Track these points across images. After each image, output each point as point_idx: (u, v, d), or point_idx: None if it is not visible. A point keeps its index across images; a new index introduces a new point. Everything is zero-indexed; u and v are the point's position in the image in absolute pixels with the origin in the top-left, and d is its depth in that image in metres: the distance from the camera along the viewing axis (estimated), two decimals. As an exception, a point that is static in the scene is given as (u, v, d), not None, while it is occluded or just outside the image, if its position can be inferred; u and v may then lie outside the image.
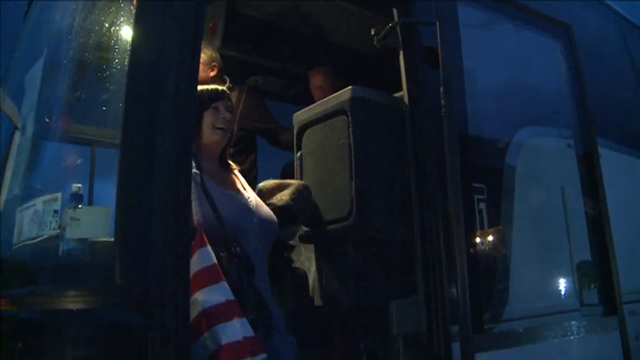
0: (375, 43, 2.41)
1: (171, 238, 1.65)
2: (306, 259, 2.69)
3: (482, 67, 2.69)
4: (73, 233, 1.77)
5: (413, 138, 2.32)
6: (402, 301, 2.24)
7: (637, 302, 3.00)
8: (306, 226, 2.49)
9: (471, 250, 2.33)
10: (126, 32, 2.01)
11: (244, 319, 1.81)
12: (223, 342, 1.74)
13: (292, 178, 2.77)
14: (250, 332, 1.81)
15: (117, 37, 2.07)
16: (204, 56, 3.16)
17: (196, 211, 1.93)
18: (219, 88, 2.38)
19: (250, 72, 3.93)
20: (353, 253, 2.35)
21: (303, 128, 2.56)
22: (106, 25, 2.13)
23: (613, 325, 2.76)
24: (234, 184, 2.36)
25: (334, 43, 3.67)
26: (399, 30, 2.39)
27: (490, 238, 2.48)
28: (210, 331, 1.75)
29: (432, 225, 2.23)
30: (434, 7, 2.34)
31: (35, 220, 1.94)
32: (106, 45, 2.11)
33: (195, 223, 1.91)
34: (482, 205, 2.45)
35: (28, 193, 2.18)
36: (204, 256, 1.83)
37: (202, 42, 3.04)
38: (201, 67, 3.06)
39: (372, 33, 2.42)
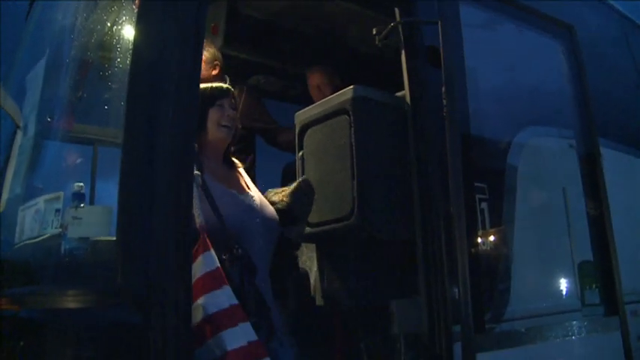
0: (376, 42, 2.41)
1: (173, 237, 1.66)
2: (307, 258, 2.69)
3: (484, 67, 2.68)
4: (74, 232, 1.77)
5: (415, 137, 2.32)
6: (404, 301, 2.24)
7: (638, 302, 2.99)
8: (309, 226, 2.47)
9: (473, 250, 2.32)
10: (127, 32, 2.02)
11: (247, 324, 1.81)
12: (228, 348, 1.75)
13: (293, 178, 2.77)
14: (253, 336, 1.81)
15: (118, 36, 2.07)
16: (206, 54, 3.17)
17: (198, 214, 1.93)
18: (224, 85, 2.38)
19: (251, 72, 3.93)
20: (354, 252, 2.34)
21: (305, 128, 2.56)
22: (108, 24, 2.13)
23: (614, 325, 2.75)
24: (238, 182, 2.35)
25: (335, 42, 3.67)
26: (400, 29, 2.39)
27: (491, 237, 2.48)
28: (215, 337, 1.76)
29: (433, 225, 2.23)
30: (436, 6, 2.33)
31: (37, 219, 1.94)
32: (107, 45, 2.11)
33: (197, 225, 1.90)
34: (483, 205, 2.45)
35: (30, 193, 2.18)
36: (208, 261, 1.82)
37: (204, 41, 3.06)
38: (203, 65, 3.06)
39: (374, 32, 2.42)
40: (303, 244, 2.74)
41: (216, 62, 3.24)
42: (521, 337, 2.38)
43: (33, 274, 1.96)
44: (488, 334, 2.30)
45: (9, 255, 2.06)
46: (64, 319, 1.63)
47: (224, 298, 1.80)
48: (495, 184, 2.56)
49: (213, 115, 2.29)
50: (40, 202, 1.96)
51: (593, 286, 2.76)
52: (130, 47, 1.85)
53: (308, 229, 2.46)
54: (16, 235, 2.04)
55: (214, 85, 2.37)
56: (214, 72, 3.22)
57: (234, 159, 2.46)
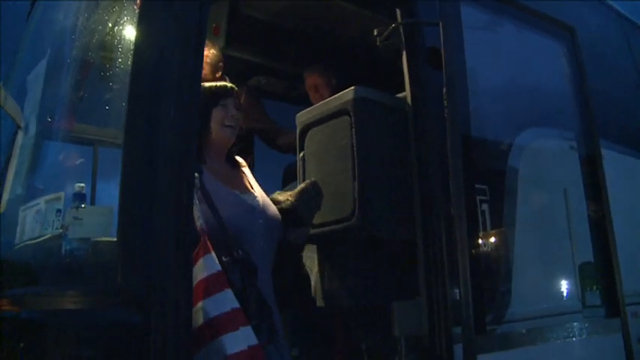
0: (377, 43, 2.41)
1: (174, 238, 1.65)
2: (308, 259, 2.69)
3: (485, 69, 2.68)
4: (75, 233, 1.77)
5: (415, 139, 2.32)
6: (404, 303, 2.24)
7: (639, 304, 2.99)
8: (314, 227, 2.45)
9: (474, 251, 2.32)
10: (128, 32, 2.02)
11: (248, 327, 1.80)
12: (228, 352, 1.73)
13: (294, 179, 2.78)
14: (254, 340, 1.80)
15: (119, 36, 2.07)
16: (212, 57, 3.15)
17: (198, 216, 1.91)
18: (228, 84, 2.37)
19: (253, 73, 3.93)
20: (355, 253, 2.34)
21: (306, 129, 2.56)
22: (109, 25, 2.13)
23: (615, 327, 2.75)
24: (241, 182, 2.34)
25: (337, 43, 3.67)
26: (401, 30, 2.39)
27: (492, 239, 2.48)
28: (215, 341, 1.74)
29: (434, 226, 2.23)
30: (437, 7, 2.33)
31: (38, 220, 1.94)
32: (108, 45, 2.11)
33: (198, 228, 1.89)
34: (484, 207, 2.44)
35: (31, 193, 2.18)
36: (209, 264, 1.81)
37: (208, 42, 3.06)
38: (208, 68, 3.06)
39: (375, 33, 2.42)
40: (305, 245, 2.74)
41: (220, 64, 3.24)
42: (522, 339, 2.38)
43: (34, 274, 1.95)
44: (489, 335, 2.29)
45: (10, 255, 2.05)
46: (64, 320, 1.63)
47: (226, 301, 1.78)
48: (496, 185, 2.56)
49: (216, 115, 2.28)
50: (41, 202, 1.96)
51: (594, 287, 2.75)
52: (131, 47, 1.85)
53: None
54: (17, 235, 2.04)
55: (218, 84, 2.36)
56: (218, 75, 3.22)
57: (238, 158, 2.45)
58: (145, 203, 1.66)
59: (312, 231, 2.43)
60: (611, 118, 3.27)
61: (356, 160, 2.23)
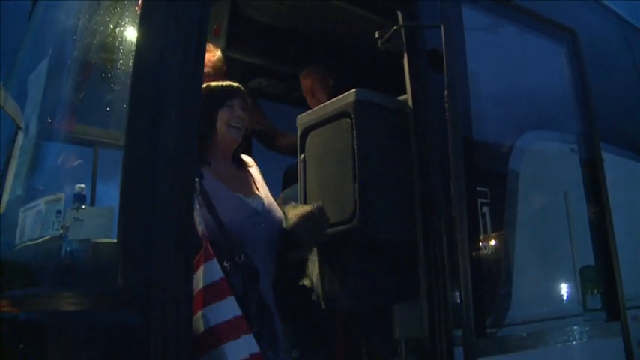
0: (379, 45, 2.41)
1: (174, 239, 1.65)
2: (309, 262, 2.68)
3: (487, 71, 2.68)
4: (75, 234, 1.77)
5: (417, 141, 2.32)
6: (405, 305, 2.24)
7: (639, 308, 2.99)
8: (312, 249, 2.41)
9: (474, 254, 2.32)
10: (130, 33, 2.02)
11: (250, 335, 1.79)
12: None
13: (294, 181, 2.77)
14: (256, 348, 1.79)
15: (120, 38, 2.07)
16: (215, 61, 3.11)
17: (199, 222, 1.90)
18: (234, 84, 2.35)
19: (253, 74, 3.92)
20: (355, 255, 2.33)
21: (307, 131, 2.55)
22: (110, 26, 2.14)
23: (616, 330, 2.75)
24: (246, 184, 2.32)
25: (338, 45, 3.67)
26: (403, 33, 2.39)
27: (493, 242, 2.48)
28: (217, 350, 1.74)
29: (435, 228, 2.22)
30: (438, 10, 2.33)
31: (38, 221, 1.93)
32: (109, 46, 2.12)
33: (199, 233, 1.88)
34: (485, 209, 2.44)
35: (31, 194, 2.18)
36: (211, 271, 1.81)
37: (211, 45, 3.05)
38: (212, 71, 3.03)
39: (376, 36, 2.42)
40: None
41: (223, 67, 3.22)
42: (523, 342, 2.38)
43: (34, 275, 1.95)
44: (489, 338, 2.29)
45: (10, 256, 2.05)
46: (64, 321, 1.63)
47: (228, 309, 1.77)
48: (497, 188, 2.56)
49: (222, 115, 2.26)
50: (41, 203, 1.96)
51: (595, 291, 2.75)
52: (132, 49, 1.85)
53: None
54: (17, 236, 2.04)
55: (224, 84, 2.34)
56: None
57: (245, 157, 2.43)
58: (146, 204, 1.66)
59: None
60: (612, 122, 3.27)
61: (357, 163, 2.22)
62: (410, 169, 2.32)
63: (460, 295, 2.10)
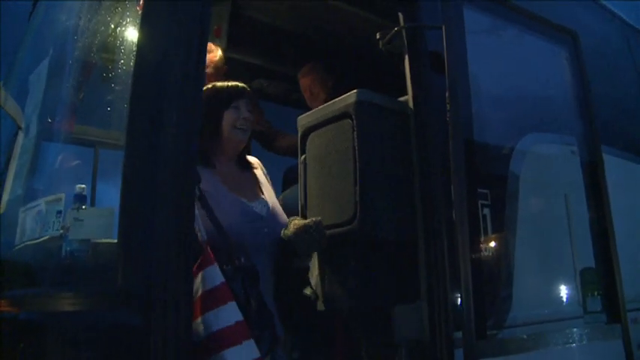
0: (380, 47, 2.41)
1: (175, 239, 1.64)
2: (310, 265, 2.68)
3: (487, 73, 2.68)
4: (76, 234, 1.77)
5: (418, 142, 2.31)
6: (405, 307, 2.23)
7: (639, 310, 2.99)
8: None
9: (475, 256, 2.31)
10: (131, 34, 2.02)
11: (251, 341, 1.78)
12: None
13: (294, 182, 2.77)
14: (256, 354, 1.78)
15: (121, 38, 2.07)
16: (217, 61, 3.10)
17: (198, 228, 1.88)
18: (240, 85, 2.33)
19: (254, 75, 3.92)
20: (356, 257, 2.33)
21: (307, 132, 2.54)
22: (111, 26, 2.14)
23: (616, 333, 2.74)
24: (250, 187, 2.30)
25: (339, 46, 3.67)
26: (404, 34, 2.39)
27: (494, 243, 2.47)
28: (218, 356, 1.73)
29: (435, 230, 2.22)
30: (439, 11, 2.33)
31: (38, 221, 1.93)
32: (109, 46, 2.12)
33: (199, 238, 1.87)
34: (485, 211, 2.44)
35: (31, 194, 2.18)
36: (212, 276, 1.80)
37: (213, 44, 3.05)
38: (213, 71, 3.03)
39: (378, 37, 2.42)
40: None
41: (225, 67, 3.22)
42: (523, 344, 2.37)
43: (34, 276, 1.95)
44: (490, 340, 2.28)
45: (10, 256, 2.04)
46: (64, 322, 1.63)
47: (229, 314, 1.77)
48: (498, 189, 2.55)
49: (228, 117, 2.25)
50: (42, 203, 1.95)
51: (595, 293, 2.74)
52: (133, 49, 1.85)
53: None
54: (17, 236, 2.03)
55: (230, 84, 2.32)
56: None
57: (251, 158, 2.41)
58: (146, 205, 1.66)
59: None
60: (613, 124, 3.27)
61: (357, 164, 2.22)
62: (410, 170, 2.31)
63: (460, 296, 2.09)
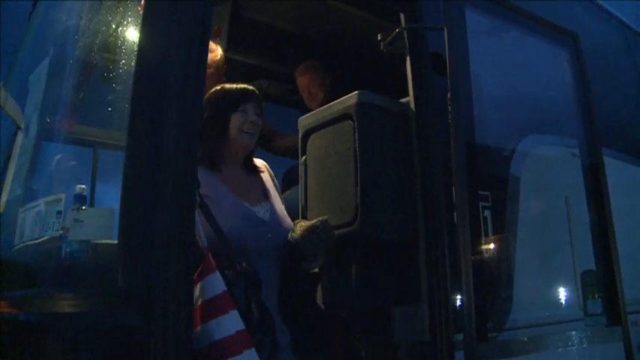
0: (381, 48, 2.41)
1: (175, 240, 1.63)
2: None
3: (489, 74, 2.68)
4: (75, 235, 1.76)
5: (419, 144, 2.31)
6: (406, 308, 2.23)
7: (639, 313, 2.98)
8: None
9: (476, 258, 2.31)
10: (131, 34, 2.01)
11: (252, 350, 1.76)
12: None
13: (295, 183, 2.76)
14: None
15: (121, 38, 2.07)
16: (217, 60, 3.07)
17: (199, 234, 1.86)
18: (249, 88, 2.32)
19: (254, 76, 3.91)
20: (357, 258, 2.32)
21: (308, 133, 2.54)
22: (111, 26, 2.13)
23: (616, 335, 2.74)
24: (256, 191, 2.28)
25: (340, 46, 3.66)
26: (405, 35, 2.38)
27: (495, 245, 2.47)
28: None
29: (436, 231, 2.22)
30: (441, 12, 2.32)
31: (38, 221, 1.92)
32: (109, 46, 2.11)
33: (200, 245, 1.84)
34: (486, 213, 2.43)
35: (29, 194, 2.17)
36: (214, 284, 1.78)
37: (213, 42, 3.04)
38: (214, 71, 3.01)
39: (379, 38, 2.42)
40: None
41: (224, 66, 3.20)
42: (524, 347, 2.37)
43: (33, 276, 1.94)
44: (490, 343, 2.28)
45: (9, 257, 2.03)
46: (64, 323, 1.62)
47: (231, 323, 1.74)
48: (498, 191, 2.55)
49: (235, 120, 2.22)
50: (41, 204, 1.94)
51: (596, 295, 2.75)
52: (133, 49, 1.84)
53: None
54: (16, 237, 2.02)
55: (239, 87, 2.30)
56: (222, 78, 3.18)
57: (258, 162, 2.40)
58: (147, 205, 1.64)
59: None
60: (613, 126, 3.27)
61: (359, 165, 2.21)
62: (412, 172, 2.31)
63: (461, 299, 2.09)
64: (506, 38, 2.88)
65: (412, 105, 2.36)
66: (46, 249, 1.86)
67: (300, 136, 2.59)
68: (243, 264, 1.93)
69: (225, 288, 1.78)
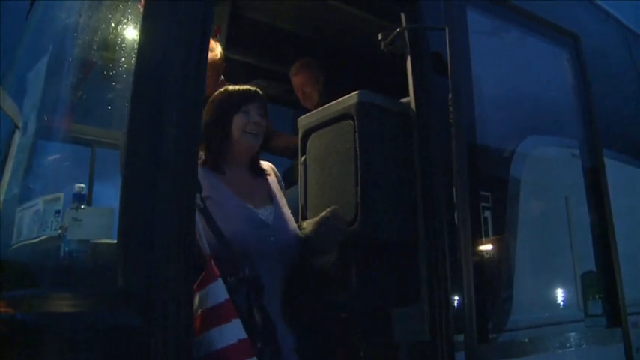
0: (382, 47, 2.40)
1: (175, 240, 1.62)
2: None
3: (489, 74, 2.67)
4: (74, 234, 1.75)
5: (419, 144, 2.30)
6: (406, 309, 2.22)
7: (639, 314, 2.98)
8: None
9: (476, 258, 2.30)
10: (130, 32, 2.00)
11: (254, 359, 1.74)
12: None
13: (294, 184, 2.75)
14: None
15: (120, 37, 2.06)
16: (217, 60, 3.06)
17: (202, 241, 1.84)
18: (252, 88, 2.30)
19: (253, 75, 3.90)
20: (357, 258, 2.32)
21: (308, 133, 2.53)
22: (109, 25, 2.12)
23: (616, 336, 2.74)
24: (260, 194, 2.26)
25: (339, 46, 3.65)
26: (406, 35, 2.38)
27: (495, 246, 2.46)
28: None
29: (437, 231, 2.21)
30: (442, 12, 2.32)
31: (36, 220, 1.91)
32: (107, 46, 2.11)
33: (202, 251, 1.83)
34: (487, 213, 2.43)
35: (26, 194, 2.16)
36: (216, 291, 1.76)
37: (213, 41, 3.02)
38: (214, 71, 2.99)
39: (380, 38, 2.41)
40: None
41: (223, 64, 3.19)
42: (525, 347, 2.37)
43: (32, 276, 1.92)
44: (491, 343, 2.28)
45: (7, 257, 2.02)
46: (63, 323, 1.60)
47: (233, 332, 1.73)
48: (499, 192, 2.55)
49: (237, 121, 2.21)
50: (40, 203, 1.93)
51: (596, 296, 2.75)
52: (131, 48, 1.84)
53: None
54: (14, 236, 2.01)
55: (241, 88, 2.28)
56: (221, 78, 3.17)
57: (265, 164, 2.39)
58: (146, 205, 1.64)
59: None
60: (613, 127, 3.27)
61: (359, 165, 2.21)
62: (412, 172, 2.30)
63: (462, 299, 2.08)
64: (507, 38, 2.88)
65: (413, 105, 2.35)
66: (45, 248, 1.84)
67: (299, 135, 2.58)
68: (246, 270, 1.91)
69: (227, 296, 1.76)
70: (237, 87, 2.30)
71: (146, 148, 1.69)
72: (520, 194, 2.62)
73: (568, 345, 2.55)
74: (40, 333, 1.63)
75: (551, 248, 2.75)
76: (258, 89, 2.30)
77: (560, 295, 2.71)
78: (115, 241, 1.63)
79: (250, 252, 2.00)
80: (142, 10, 1.84)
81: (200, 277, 1.77)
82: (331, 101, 2.44)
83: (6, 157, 2.43)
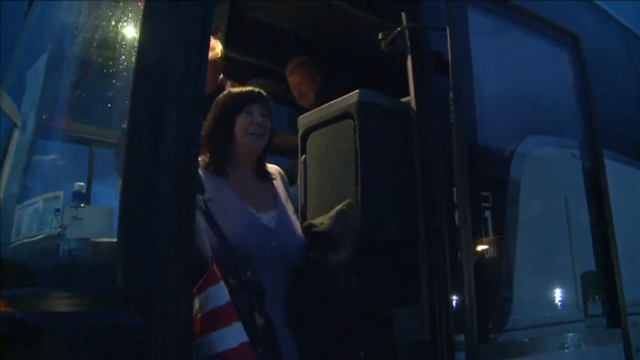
0: (382, 47, 2.40)
1: (175, 239, 1.62)
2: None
3: (490, 74, 2.67)
4: (74, 233, 1.74)
5: (420, 144, 2.30)
6: (406, 309, 2.21)
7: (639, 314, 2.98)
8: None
9: (477, 258, 2.30)
10: (128, 32, 2.00)
11: None
12: None
13: (293, 183, 2.75)
14: None
15: (118, 36, 2.05)
16: (217, 59, 3.05)
17: (203, 242, 1.83)
18: (255, 90, 2.29)
19: (252, 75, 3.90)
20: (357, 258, 2.31)
21: (308, 132, 2.53)
22: (107, 24, 2.12)
23: (616, 337, 2.74)
24: (264, 198, 2.24)
25: (339, 46, 3.65)
26: (407, 34, 2.37)
27: (495, 246, 2.46)
28: None
29: (437, 231, 2.21)
30: (443, 12, 2.32)
31: (35, 219, 1.90)
32: (106, 44, 2.10)
33: (204, 254, 1.82)
34: (487, 213, 2.42)
35: (25, 192, 2.15)
36: (218, 294, 1.76)
37: (214, 39, 3.02)
38: (214, 71, 2.98)
39: (380, 37, 2.40)
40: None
41: (222, 63, 3.19)
42: (525, 348, 2.36)
43: (31, 275, 1.91)
44: (491, 343, 2.27)
45: (6, 255, 2.01)
46: (62, 322, 1.59)
47: (234, 335, 1.72)
48: (499, 192, 2.54)
49: (240, 122, 2.20)
50: (39, 201, 1.92)
51: (596, 297, 2.74)
52: (130, 47, 1.83)
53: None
54: (13, 234, 2.00)
55: (244, 90, 2.27)
56: (221, 77, 3.17)
57: (272, 167, 2.38)
58: (146, 204, 1.63)
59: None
60: (614, 128, 3.27)
61: (359, 164, 2.21)
62: (412, 172, 2.30)
63: (463, 299, 2.08)
64: (508, 38, 2.88)
65: (413, 104, 2.34)
66: (44, 247, 1.83)
67: (299, 134, 2.58)
68: (248, 274, 1.90)
69: (228, 299, 1.76)
70: (240, 88, 2.30)
71: (146, 147, 1.68)
72: (520, 194, 2.61)
73: (568, 345, 2.55)
74: (39, 332, 1.62)
75: (552, 248, 2.75)
76: (261, 90, 2.30)
77: (560, 295, 2.71)
78: (115, 240, 1.63)
79: (251, 256, 1.99)
80: (141, 6, 1.83)
81: (201, 281, 1.77)
82: (328, 100, 2.44)
83: (5, 156, 2.43)
